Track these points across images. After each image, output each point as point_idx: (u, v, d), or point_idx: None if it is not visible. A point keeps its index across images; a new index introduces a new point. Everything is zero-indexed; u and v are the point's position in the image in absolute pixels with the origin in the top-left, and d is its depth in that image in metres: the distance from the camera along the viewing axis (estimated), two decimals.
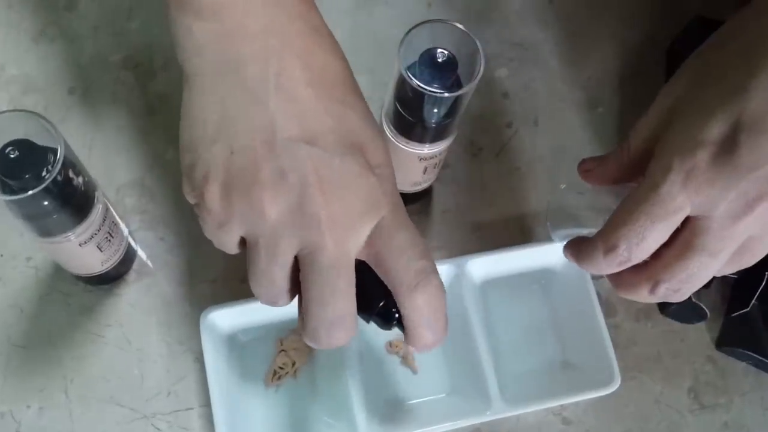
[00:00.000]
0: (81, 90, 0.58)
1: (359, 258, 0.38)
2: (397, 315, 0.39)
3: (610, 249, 0.40)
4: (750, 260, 0.40)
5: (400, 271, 0.37)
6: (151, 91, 0.58)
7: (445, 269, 0.53)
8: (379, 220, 0.37)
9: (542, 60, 0.62)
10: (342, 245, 0.36)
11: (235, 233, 0.36)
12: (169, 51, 0.59)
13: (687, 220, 0.39)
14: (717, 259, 0.39)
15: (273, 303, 0.39)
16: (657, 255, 0.40)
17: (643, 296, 0.42)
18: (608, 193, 0.46)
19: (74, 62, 0.58)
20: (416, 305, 0.37)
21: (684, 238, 0.39)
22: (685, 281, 0.40)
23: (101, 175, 0.55)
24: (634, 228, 0.39)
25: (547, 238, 0.54)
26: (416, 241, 0.38)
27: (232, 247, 0.38)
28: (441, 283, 0.39)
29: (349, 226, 0.36)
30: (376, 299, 0.39)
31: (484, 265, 0.54)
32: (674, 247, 0.40)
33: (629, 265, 0.41)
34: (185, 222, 0.55)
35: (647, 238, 0.39)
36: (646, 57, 0.63)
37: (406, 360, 0.53)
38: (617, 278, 0.43)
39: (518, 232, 0.58)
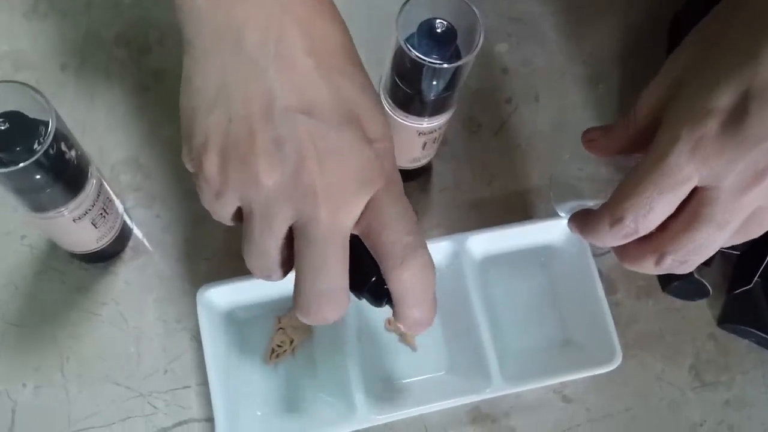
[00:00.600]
0: (74, 66, 0.57)
1: (353, 232, 0.37)
2: (388, 292, 0.38)
3: (616, 221, 0.40)
4: (757, 231, 0.40)
5: (387, 245, 0.36)
6: (145, 67, 0.57)
7: (444, 246, 0.52)
8: (374, 193, 0.36)
9: (542, 35, 0.61)
10: (336, 217, 0.35)
11: (231, 203, 0.36)
12: (164, 27, 0.58)
13: (694, 191, 0.38)
14: (724, 231, 0.38)
15: (267, 276, 0.38)
16: (663, 226, 0.40)
17: (649, 268, 0.41)
18: (613, 165, 0.45)
19: (67, 38, 0.57)
20: (402, 280, 0.37)
21: (691, 209, 0.38)
22: (692, 252, 0.40)
23: (95, 152, 0.55)
24: (641, 199, 0.38)
25: (548, 215, 0.54)
26: (407, 216, 0.37)
27: (227, 218, 0.37)
28: (430, 259, 0.38)
29: (343, 199, 0.35)
30: (368, 275, 0.38)
31: (484, 242, 0.53)
32: (681, 218, 0.39)
33: (636, 237, 0.40)
34: (181, 199, 0.55)
35: (654, 210, 0.38)
36: (647, 33, 0.62)
37: (404, 338, 0.53)
38: (622, 250, 0.42)
39: (519, 209, 0.57)
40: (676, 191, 0.38)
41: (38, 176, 0.38)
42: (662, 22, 0.62)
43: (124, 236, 0.52)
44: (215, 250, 0.54)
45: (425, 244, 0.38)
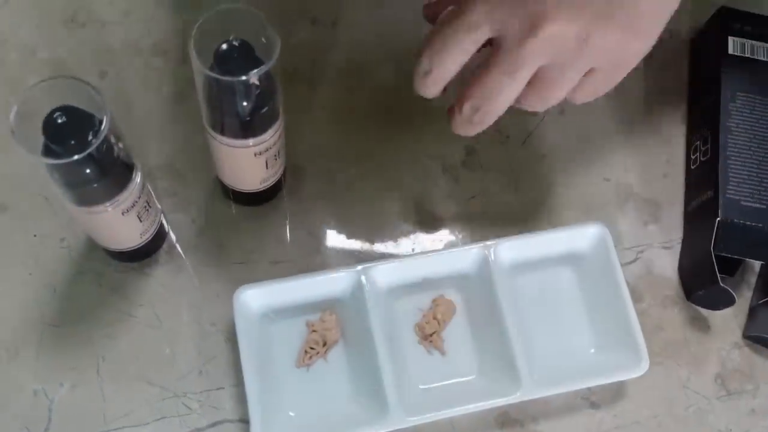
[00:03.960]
0: (112, 74, 0.58)
1: None
2: None
3: (417, 64, 0.42)
4: (549, 94, 0.42)
5: None
6: (181, 76, 0.58)
7: (474, 253, 0.53)
8: None
9: None
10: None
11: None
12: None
13: (491, 42, 0.41)
14: (514, 80, 0.40)
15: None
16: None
17: (459, 121, 0.43)
18: None
19: (105, 47, 0.59)
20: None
21: (487, 58, 0.41)
22: (485, 98, 0.41)
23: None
24: (435, 39, 0.41)
25: (575, 223, 0.55)
26: None
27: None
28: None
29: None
30: None
31: (513, 249, 0.54)
32: (479, 67, 0.41)
33: (439, 81, 0.42)
34: (216, 204, 0.56)
35: (447, 50, 0.41)
36: (670, 48, 0.64)
37: (434, 342, 0.53)
38: (450, 114, 0.44)
39: (545, 217, 0.58)
40: (467, 34, 0.40)
41: (91, 169, 0.39)
42: (684, 39, 0.64)
43: (160, 235, 0.53)
44: (248, 254, 0.55)
45: None
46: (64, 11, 0.60)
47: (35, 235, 0.54)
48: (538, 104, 0.42)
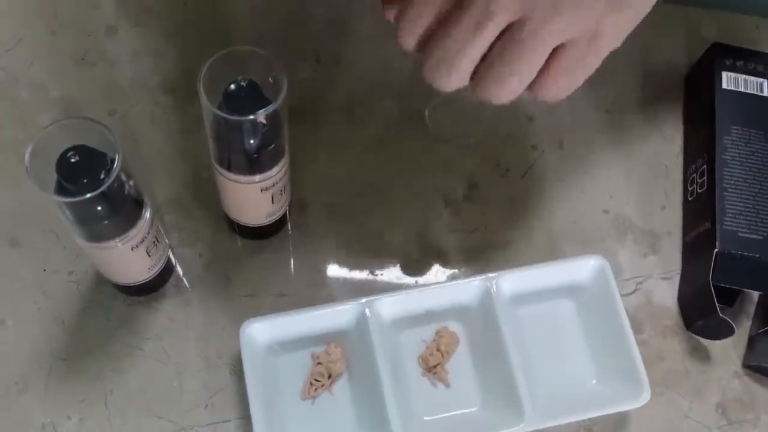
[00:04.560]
0: (121, 112, 0.60)
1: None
2: None
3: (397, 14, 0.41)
4: (510, 68, 0.38)
5: None
6: (189, 113, 0.60)
7: (476, 285, 0.54)
8: None
9: None
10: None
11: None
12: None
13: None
14: (474, 36, 0.38)
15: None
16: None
17: (427, 68, 0.40)
18: None
19: (115, 85, 0.60)
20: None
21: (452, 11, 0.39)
22: (447, 50, 0.39)
23: None
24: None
25: (575, 255, 0.56)
26: None
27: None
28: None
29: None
30: None
31: (514, 281, 0.55)
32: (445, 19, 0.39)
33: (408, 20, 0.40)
34: (222, 238, 0.57)
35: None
36: (667, 81, 0.65)
37: (438, 374, 0.54)
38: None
39: (546, 250, 0.59)
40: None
41: (102, 206, 0.40)
42: (679, 69, 0.65)
43: (168, 269, 0.54)
44: (254, 288, 0.56)
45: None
46: (75, 51, 0.61)
47: (45, 270, 0.55)
48: (505, 81, 0.39)
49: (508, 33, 0.38)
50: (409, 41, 0.41)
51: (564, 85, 0.40)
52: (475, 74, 0.40)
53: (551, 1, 0.36)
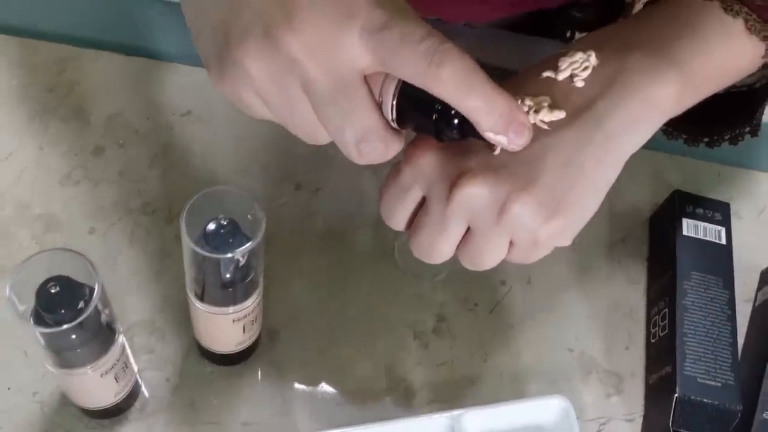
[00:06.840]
0: (101, 231, 0.61)
1: (376, 71, 0.36)
2: (455, 112, 0.36)
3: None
4: (475, 260, 0.42)
5: (409, 63, 0.35)
6: (168, 235, 0.61)
7: (441, 422, 0.54)
8: (363, 25, 0.35)
9: None
10: (328, 68, 0.35)
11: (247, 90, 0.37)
12: (188, 198, 0.63)
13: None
14: (444, 239, 0.41)
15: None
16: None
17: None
18: None
19: (96, 205, 0.62)
20: (443, 80, 0.34)
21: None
22: (423, 253, 0.43)
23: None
24: (382, 198, 0.44)
25: (541, 394, 0.57)
26: (415, 28, 0.35)
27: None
28: (460, 49, 0.35)
29: (325, 47, 0.35)
30: (430, 106, 0.36)
31: (478, 420, 0.55)
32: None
33: (397, 227, 0.44)
34: (191, 362, 0.57)
35: (392, 206, 0.43)
36: (631, 224, 0.68)
37: None
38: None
39: (512, 388, 0.60)
40: (402, 194, 0.42)
41: (77, 335, 0.41)
42: (643, 212, 0.68)
43: (134, 393, 0.53)
44: (218, 415, 0.56)
45: (445, 39, 0.35)
46: (61, 169, 0.63)
47: (9, 388, 0.54)
48: (475, 265, 0.42)
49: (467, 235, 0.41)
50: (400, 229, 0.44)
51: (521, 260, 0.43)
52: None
53: (492, 210, 0.39)
